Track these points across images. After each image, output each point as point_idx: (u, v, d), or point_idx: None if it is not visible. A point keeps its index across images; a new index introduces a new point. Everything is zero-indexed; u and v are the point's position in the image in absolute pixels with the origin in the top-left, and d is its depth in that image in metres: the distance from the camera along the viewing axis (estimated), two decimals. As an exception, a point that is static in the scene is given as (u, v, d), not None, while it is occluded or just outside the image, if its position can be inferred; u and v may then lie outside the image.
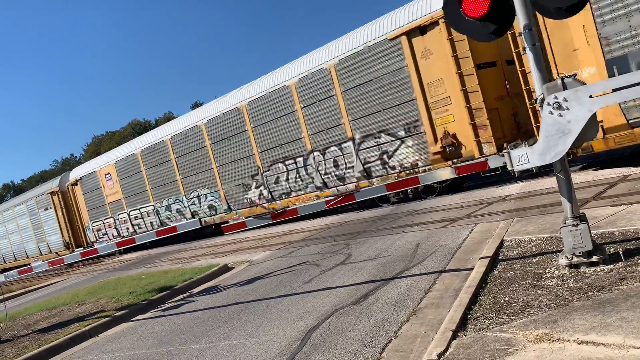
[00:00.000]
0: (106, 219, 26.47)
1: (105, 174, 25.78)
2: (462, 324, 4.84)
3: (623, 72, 5.10)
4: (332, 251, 10.60)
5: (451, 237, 8.99)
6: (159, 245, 24.34)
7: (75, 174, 28.46)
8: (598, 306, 4.40)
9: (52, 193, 28.74)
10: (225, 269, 12.09)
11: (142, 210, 24.33)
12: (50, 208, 29.07)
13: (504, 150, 5.56)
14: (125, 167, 24.50)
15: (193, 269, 12.64)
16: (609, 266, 5.33)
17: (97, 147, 77.32)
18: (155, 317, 9.11)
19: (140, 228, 24.72)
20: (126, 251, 25.88)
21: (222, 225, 10.59)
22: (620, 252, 5.55)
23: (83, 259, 19.19)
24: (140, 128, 72.94)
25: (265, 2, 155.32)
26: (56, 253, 28.69)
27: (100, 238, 27.20)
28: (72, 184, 27.95)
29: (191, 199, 21.67)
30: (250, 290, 9.16)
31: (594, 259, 5.40)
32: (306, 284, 8.42)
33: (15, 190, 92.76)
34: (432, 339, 4.70)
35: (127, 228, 25.35)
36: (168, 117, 71.97)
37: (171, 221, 22.74)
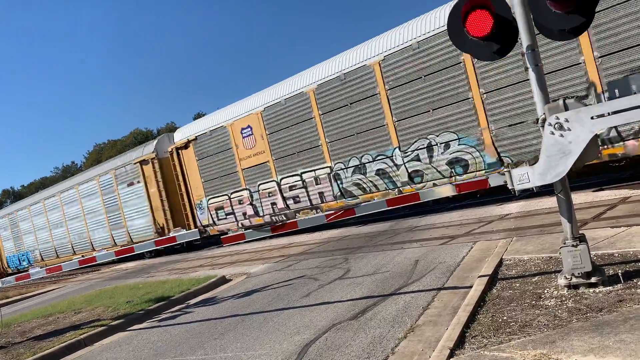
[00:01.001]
0: (235, 192, 19.59)
1: (243, 129, 18.87)
2: (460, 343, 4.82)
3: (624, 95, 5.13)
4: (331, 265, 10.58)
5: (450, 254, 8.98)
6: (157, 255, 24.26)
7: (185, 133, 21.66)
8: (596, 328, 4.39)
9: (142, 162, 22.88)
10: (223, 280, 12.05)
11: (306, 175, 17.30)
12: (138, 182, 23.40)
13: (505, 169, 5.58)
14: (282, 114, 17.74)
15: (190, 280, 12.60)
16: (608, 288, 5.33)
17: (98, 155, 77.50)
18: (152, 327, 9.07)
19: (298, 202, 17.85)
20: (123, 260, 25.77)
21: (221, 237, 10.58)
22: (620, 273, 5.55)
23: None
24: (142, 137, 73.18)
25: (269, 13, 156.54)
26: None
27: (219, 220, 20.49)
28: (180, 148, 21.34)
29: (413, 151, 14.84)
30: (248, 302, 9.13)
31: (593, 280, 5.39)
32: (304, 298, 8.39)
33: (15, 196, 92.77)
34: (430, 357, 4.68)
35: (274, 204, 18.43)
36: (170, 128, 72.24)
37: (366, 188, 16.07)
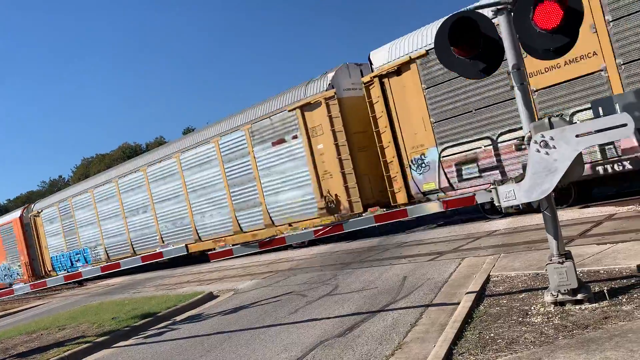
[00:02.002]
0: (509, 131, 12.57)
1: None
2: (447, 360, 4.81)
3: (608, 114, 5.22)
4: (319, 281, 10.54)
5: (438, 270, 8.99)
6: (145, 270, 24.00)
7: (397, 51, 14.66)
8: (582, 345, 4.40)
9: (304, 107, 16.64)
10: (210, 297, 11.95)
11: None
12: (295, 138, 17.07)
13: (492, 186, 5.63)
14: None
15: (177, 296, 12.48)
16: (594, 305, 5.36)
17: (86, 170, 76.91)
18: (137, 344, 8.95)
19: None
20: (110, 275, 25.29)
21: (208, 253, 10.50)
22: (605, 290, 5.58)
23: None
24: (130, 151, 72.82)
25: (259, 29, 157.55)
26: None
27: (464, 180, 13.69)
28: (387, 75, 14.65)
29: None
30: (235, 319, 9.05)
31: (579, 297, 5.42)
32: (292, 314, 8.34)
33: (0, 210, 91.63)
34: (417, 374, 4.66)
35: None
36: (159, 142, 72.00)
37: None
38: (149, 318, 10.43)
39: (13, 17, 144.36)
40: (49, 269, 29.59)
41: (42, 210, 30.23)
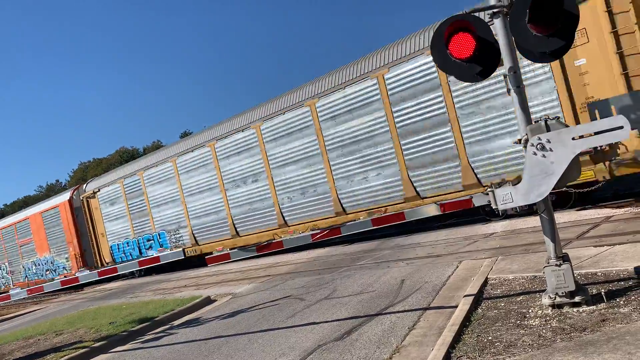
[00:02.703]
0: None
1: None
2: (445, 363, 4.80)
3: (604, 116, 5.24)
4: (317, 285, 10.52)
5: (436, 273, 8.98)
6: (142, 275, 23.95)
7: None
8: (580, 347, 4.40)
9: None
10: (208, 301, 11.92)
11: None
12: None
13: (489, 189, 5.63)
14: None
15: (175, 301, 12.45)
16: (591, 307, 5.36)
17: (83, 174, 76.74)
18: (135, 349, 8.91)
19: None
20: (107, 280, 25.16)
21: (205, 257, 10.48)
22: (603, 293, 5.59)
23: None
24: (128, 156, 72.70)
25: (257, 34, 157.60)
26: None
27: None
28: None
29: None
30: (233, 323, 9.03)
31: (577, 299, 5.42)
32: (289, 318, 8.32)
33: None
34: (415, 378, 4.65)
35: None
36: (157, 146, 71.93)
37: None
38: (146, 323, 10.39)
39: (13, 21, 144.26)
40: (107, 260, 24.75)
41: (98, 190, 24.73)
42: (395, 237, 14.98)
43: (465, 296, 6.80)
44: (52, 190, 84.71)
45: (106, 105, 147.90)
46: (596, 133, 5.04)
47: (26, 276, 30.19)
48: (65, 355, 8.89)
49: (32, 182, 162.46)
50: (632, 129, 5.07)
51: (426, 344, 5.60)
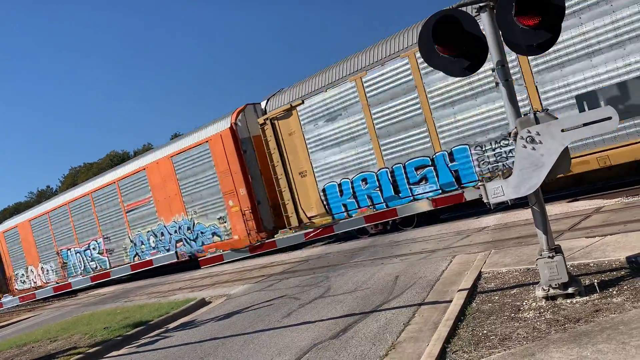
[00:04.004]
0: None
1: None
2: (441, 358, 4.81)
3: (593, 107, 5.26)
4: (312, 284, 10.51)
5: (430, 268, 9.00)
6: (136, 279, 23.83)
7: None
8: (574, 338, 4.42)
9: None
10: (203, 303, 11.88)
11: None
12: None
13: (480, 183, 5.64)
14: None
15: (169, 303, 12.40)
16: (584, 298, 5.38)
17: (74, 179, 76.33)
18: (130, 353, 8.87)
19: None
20: (101, 285, 24.84)
21: (199, 259, 10.43)
22: (596, 283, 5.61)
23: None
24: (118, 159, 72.39)
25: (248, 33, 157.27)
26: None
27: None
28: None
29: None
30: (228, 325, 9.00)
31: (570, 290, 5.45)
32: (285, 318, 8.31)
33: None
34: (411, 374, 4.65)
35: None
36: (147, 148, 71.63)
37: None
38: (141, 327, 10.35)
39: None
40: (311, 215, 16.40)
41: (301, 102, 16.29)
42: (389, 234, 15.00)
43: (459, 290, 6.81)
44: (42, 196, 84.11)
45: (96, 110, 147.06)
46: (585, 124, 5.06)
47: (136, 254, 21.93)
48: (59, 362, 8.83)
49: (23, 188, 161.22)
50: (621, 119, 5.08)
51: (422, 340, 5.61)
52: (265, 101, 17.69)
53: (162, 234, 20.71)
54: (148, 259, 20.97)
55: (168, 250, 20.30)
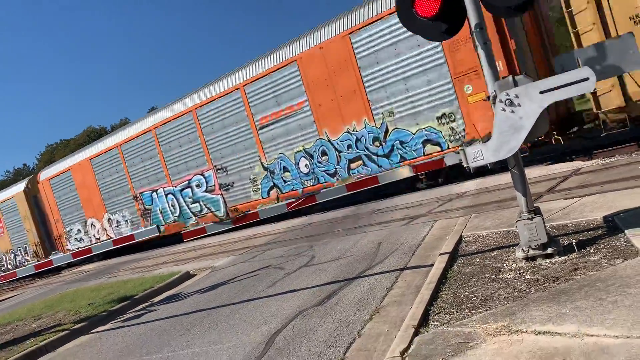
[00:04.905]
0: None
1: None
2: (424, 320, 4.88)
3: (570, 69, 5.27)
4: (296, 254, 10.57)
5: (412, 234, 9.09)
6: (119, 254, 23.70)
7: None
8: (554, 297, 4.51)
9: None
10: (187, 276, 11.89)
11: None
12: None
13: (459, 148, 5.65)
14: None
15: (154, 278, 12.38)
16: (563, 257, 5.49)
17: (51, 156, 75.01)
18: (116, 328, 8.87)
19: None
20: (84, 261, 24.61)
21: (181, 232, 10.39)
22: (574, 243, 5.72)
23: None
24: (95, 135, 71.19)
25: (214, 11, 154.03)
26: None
27: None
28: None
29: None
30: (213, 296, 9.03)
31: (549, 251, 5.54)
32: (270, 287, 8.36)
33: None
34: (395, 337, 4.73)
35: None
36: (124, 123, 70.50)
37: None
38: (126, 302, 10.33)
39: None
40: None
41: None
42: (371, 202, 15.08)
43: (440, 254, 6.90)
44: (20, 175, 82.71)
45: (70, 86, 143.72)
46: (562, 86, 5.07)
47: (273, 186, 16.49)
48: (45, 339, 8.80)
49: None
50: (597, 80, 5.09)
51: (405, 303, 5.69)
52: None
53: (324, 153, 14.99)
54: (256, 198, 16.17)
55: (334, 175, 14.66)
